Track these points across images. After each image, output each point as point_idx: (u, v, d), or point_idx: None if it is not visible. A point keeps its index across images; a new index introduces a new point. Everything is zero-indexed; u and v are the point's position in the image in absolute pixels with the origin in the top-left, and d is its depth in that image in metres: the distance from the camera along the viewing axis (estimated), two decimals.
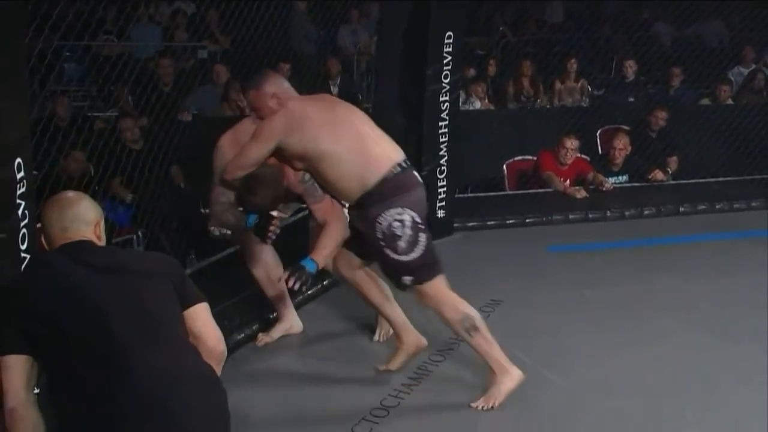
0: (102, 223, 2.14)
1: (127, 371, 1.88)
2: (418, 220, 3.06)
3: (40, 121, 3.90)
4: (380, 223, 3.03)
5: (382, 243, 3.05)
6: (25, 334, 1.90)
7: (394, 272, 3.13)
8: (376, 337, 3.73)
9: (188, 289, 2.11)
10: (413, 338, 3.41)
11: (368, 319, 3.82)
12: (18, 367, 1.90)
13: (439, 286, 3.14)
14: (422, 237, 3.07)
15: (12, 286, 2.07)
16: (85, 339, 1.90)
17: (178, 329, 2.03)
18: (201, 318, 2.10)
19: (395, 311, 3.38)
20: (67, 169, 4.56)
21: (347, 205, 3.37)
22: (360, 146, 3.05)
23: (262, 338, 3.71)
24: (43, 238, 2.11)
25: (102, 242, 2.13)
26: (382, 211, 3.02)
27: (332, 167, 3.05)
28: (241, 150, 3.19)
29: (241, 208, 3.42)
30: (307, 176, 3.27)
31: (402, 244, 3.04)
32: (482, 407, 3.15)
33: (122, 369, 1.88)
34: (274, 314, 3.81)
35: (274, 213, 3.39)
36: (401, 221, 3.02)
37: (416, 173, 3.16)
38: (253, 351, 3.65)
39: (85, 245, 2.05)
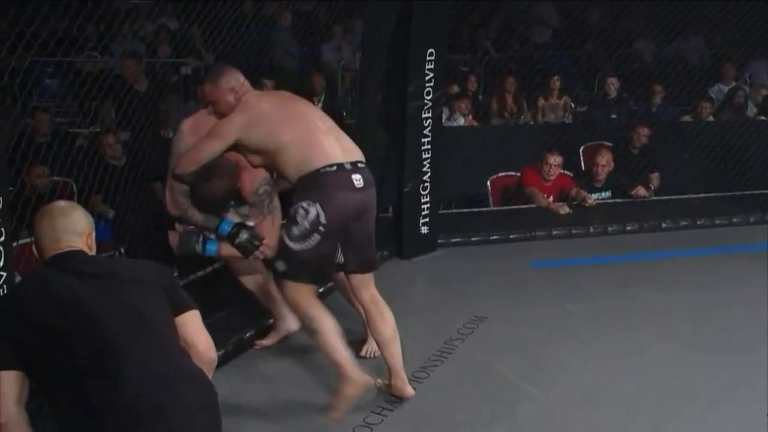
0: (93, 234, 2.16)
1: (121, 375, 1.89)
2: (323, 221, 3.02)
3: (19, 137, 3.87)
4: (296, 217, 3.06)
5: (285, 221, 3.16)
6: (18, 347, 1.91)
7: (277, 252, 3.19)
8: (363, 353, 3.68)
9: (179, 295, 2.14)
10: (400, 386, 3.35)
11: (357, 335, 3.79)
12: (9, 383, 1.91)
13: (304, 293, 3.16)
14: (315, 237, 3.04)
15: (2, 301, 2.08)
16: (79, 345, 1.91)
17: (171, 333, 2.05)
18: (192, 324, 2.12)
19: (392, 354, 3.31)
20: (33, 185, 4.53)
21: None
22: (307, 137, 3.09)
23: (262, 342, 3.78)
24: (34, 248, 2.11)
25: (93, 252, 2.14)
26: (298, 199, 3.07)
27: (283, 157, 3.10)
28: (196, 145, 3.20)
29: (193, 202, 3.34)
30: (261, 189, 3.29)
31: (295, 230, 3.05)
32: (330, 417, 3.11)
33: (117, 373, 1.89)
34: (252, 332, 3.80)
35: (251, 223, 3.35)
36: (306, 211, 3.03)
37: (360, 179, 3.09)
38: (233, 367, 3.62)
39: (76, 255, 2.07)
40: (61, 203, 2.21)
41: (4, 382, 1.91)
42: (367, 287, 3.30)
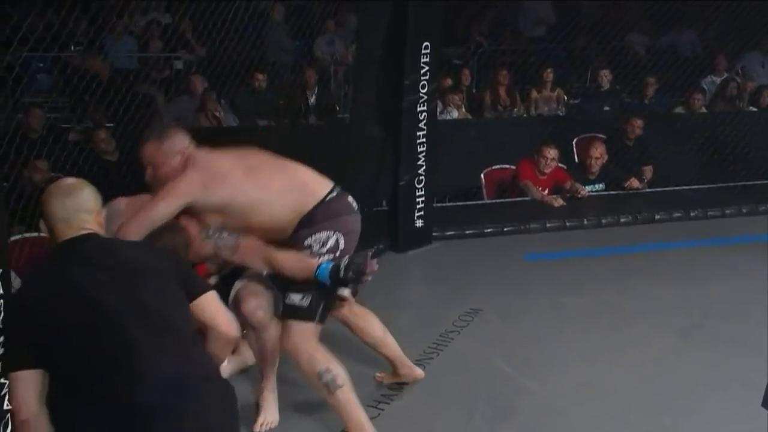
0: (103, 212, 2.14)
1: (137, 374, 1.88)
2: (342, 247, 2.89)
3: (12, 133, 3.85)
4: (311, 247, 2.85)
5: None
6: (34, 346, 1.90)
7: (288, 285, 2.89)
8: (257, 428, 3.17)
9: (193, 280, 2.14)
10: (408, 371, 3.40)
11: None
12: (29, 381, 1.91)
13: (308, 332, 2.89)
14: (327, 260, 2.85)
15: (17, 299, 2.06)
16: (94, 344, 1.90)
17: (186, 328, 2.03)
18: (210, 306, 2.11)
19: (389, 344, 3.33)
20: (32, 180, 4.51)
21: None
22: (290, 180, 2.91)
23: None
24: (42, 225, 2.08)
25: (103, 230, 2.12)
26: (311, 233, 2.85)
27: (263, 212, 2.84)
28: (144, 206, 2.80)
29: None
30: (211, 230, 2.87)
31: (307, 252, 2.85)
32: None
33: (133, 373, 1.88)
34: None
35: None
36: (324, 241, 2.85)
37: (351, 199, 3.00)
38: None
39: (90, 241, 2.03)
40: (69, 180, 2.15)
41: (24, 381, 1.91)
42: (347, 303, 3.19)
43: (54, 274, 1.99)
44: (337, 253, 2.87)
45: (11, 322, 1.98)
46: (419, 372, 3.42)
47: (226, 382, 2.07)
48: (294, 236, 2.88)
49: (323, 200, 2.90)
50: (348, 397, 2.88)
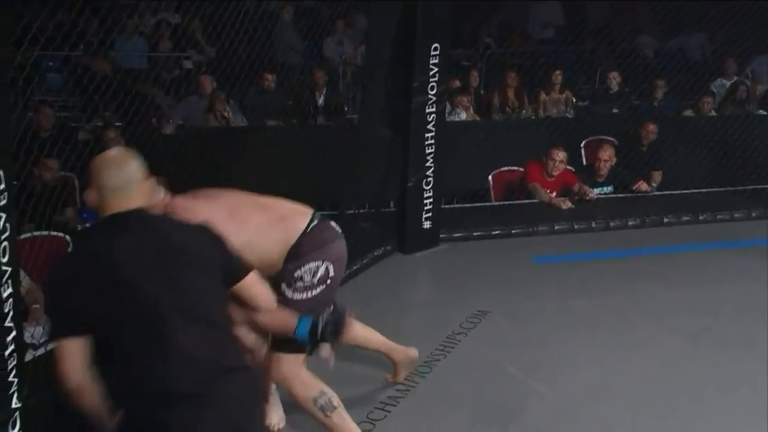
0: (150, 180, 2.15)
1: (167, 360, 1.93)
2: (332, 274, 2.86)
3: (23, 132, 3.87)
4: (302, 278, 2.81)
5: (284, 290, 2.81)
6: (79, 315, 1.95)
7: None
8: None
9: (235, 264, 2.22)
10: (403, 354, 3.41)
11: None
12: (76, 348, 1.95)
13: (298, 361, 2.85)
14: (319, 289, 2.82)
15: (61, 269, 2.09)
16: (128, 325, 1.94)
17: (221, 318, 2.09)
18: (253, 284, 2.31)
19: (375, 339, 3.34)
20: (42, 179, 4.52)
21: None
22: (269, 216, 2.86)
23: None
24: (87, 195, 2.09)
25: (151, 199, 2.14)
26: (300, 265, 2.81)
27: (251, 253, 2.68)
28: None
29: None
30: None
31: (299, 285, 2.81)
32: None
33: (163, 358, 1.93)
34: None
35: None
36: (314, 271, 2.81)
37: (334, 224, 2.94)
38: None
39: (136, 220, 2.04)
40: (115, 151, 2.17)
41: (72, 348, 1.95)
42: None
43: (97, 249, 2.01)
44: (328, 281, 2.85)
45: (55, 292, 2.02)
46: (414, 351, 3.44)
47: (253, 372, 2.12)
48: (283, 269, 2.84)
49: (306, 230, 2.86)
50: (343, 417, 2.88)
